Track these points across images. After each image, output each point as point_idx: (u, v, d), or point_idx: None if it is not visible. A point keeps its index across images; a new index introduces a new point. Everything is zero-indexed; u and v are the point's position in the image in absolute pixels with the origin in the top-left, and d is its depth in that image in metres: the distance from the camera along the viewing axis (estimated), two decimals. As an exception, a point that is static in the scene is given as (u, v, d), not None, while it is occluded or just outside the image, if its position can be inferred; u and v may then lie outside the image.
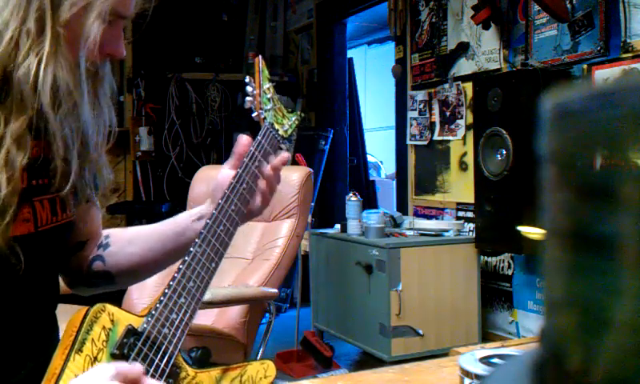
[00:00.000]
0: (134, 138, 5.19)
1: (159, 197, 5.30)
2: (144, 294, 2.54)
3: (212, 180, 3.28)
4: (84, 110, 0.93)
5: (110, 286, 1.16)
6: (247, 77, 1.26)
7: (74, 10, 0.89)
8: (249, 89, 1.24)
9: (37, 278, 0.98)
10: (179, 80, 5.37)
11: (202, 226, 1.07)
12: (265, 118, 1.22)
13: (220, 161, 5.47)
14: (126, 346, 0.91)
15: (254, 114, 1.23)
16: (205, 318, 2.30)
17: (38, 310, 1.01)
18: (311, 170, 2.73)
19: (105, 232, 1.18)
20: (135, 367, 0.87)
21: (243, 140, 1.14)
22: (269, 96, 1.25)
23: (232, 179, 1.10)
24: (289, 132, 1.27)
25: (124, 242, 1.16)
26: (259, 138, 1.18)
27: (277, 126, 1.23)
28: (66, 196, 0.98)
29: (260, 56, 1.29)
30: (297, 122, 1.30)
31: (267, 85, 1.25)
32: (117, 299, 1.90)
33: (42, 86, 0.87)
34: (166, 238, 1.14)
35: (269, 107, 1.24)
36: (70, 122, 0.91)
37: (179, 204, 4.01)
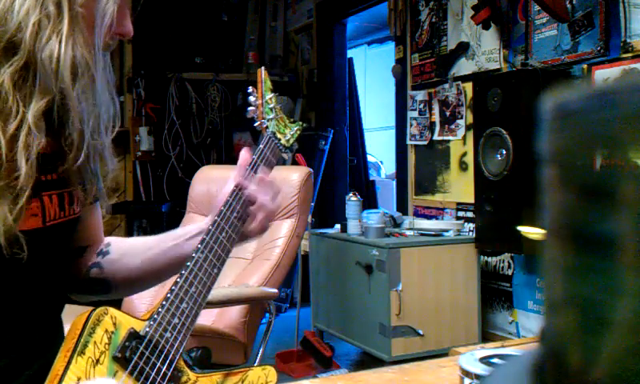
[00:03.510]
0: (134, 138, 5.19)
1: (159, 197, 5.30)
2: (144, 294, 2.54)
3: (212, 180, 3.26)
4: (98, 87, 0.96)
5: (105, 294, 1.16)
6: (250, 87, 1.29)
7: None
8: (251, 99, 1.27)
9: (44, 275, 0.97)
10: (179, 80, 5.37)
11: (198, 243, 1.07)
12: (267, 127, 1.24)
13: (220, 161, 5.48)
14: (128, 349, 0.91)
15: (256, 124, 1.26)
16: (205, 318, 2.30)
17: (45, 308, 1.01)
18: (311, 169, 2.73)
19: (106, 240, 1.18)
20: None
21: (244, 152, 1.16)
22: (271, 106, 1.28)
23: (234, 187, 1.11)
24: (290, 141, 1.29)
25: (123, 251, 1.16)
26: (261, 146, 1.20)
27: (279, 136, 1.25)
28: (74, 190, 0.99)
29: (263, 67, 1.32)
30: (298, 132, 1.33)
31: (269, 95, 1.28)
32: (117, 300, 1.91)
33: (63, 64, 0.89)
34: (160, 254, 1.14)
35: (271, 117, 1.27)
36: (87, 98, 0.94)
37: (179, 204, 4.01)
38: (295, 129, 1.31)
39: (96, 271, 1.14)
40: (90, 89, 0.94)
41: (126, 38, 1.03)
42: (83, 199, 1.02)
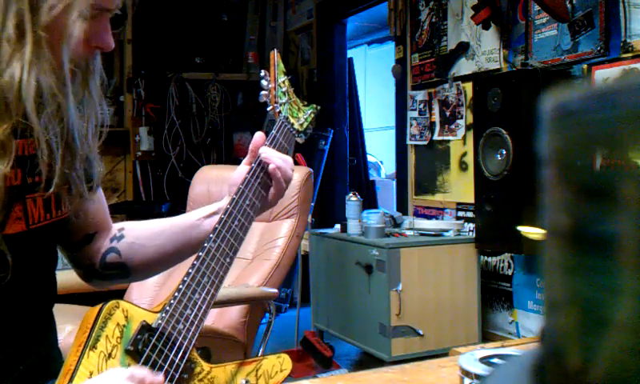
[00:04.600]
0: (133, 138, 5.19)
1: (159, 197, 5.30)
2: (144, 294, 2.54)
3: (212, 180, 3.24)
4: (69, 111, 0.92)
5: (124, 279, 1.16)
6: (262, 71, 1.25)
7: (53, 12, 0.87)
8: (264, 83, 1.24)
9: (30, 276, 0.98)
10: (179, 80, 5.37)
11: (215, 222, 1.07)
12: (280, 112, 1.22)
13: (220, 161, 5.48)
14: (141, 342, 0.91)
15: (268, 108, 1.23)
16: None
17: (33, 307, 1.01)
18: (311, 169, 2.73)
19: (118, 225, 1.18)
20: (152, 376, 0.87)
21: (258, 137, 1.14)
22: (284, 89, 1.24)
23: (247, 174, 1.10)
24: (304, 125, 1.26)
25: (139, 233, 1.16)
26: (274, 131, 1.18)
27: (292, 120, 1.23)
28: (60, 193, 0.99)
29: (276, 50, 1.28)
30: (313, 115, 1.29)
31: (282, 78, 1.25)
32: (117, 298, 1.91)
33: (26, 92, 0.86)
34: (179, 233, 1.14)
35: (284, 100, 1.23)
36: (54, 125, 0.90)
37: (179, 204, 4.01)
38: (309, 112, 1.28)
39: (113, 256, 1.14)
40: (58, 115, 0.91)
41: (106, 51, 0.99)
42: (68, 201, 1.02)
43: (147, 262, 1.14)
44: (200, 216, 1.14)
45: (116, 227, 1.17)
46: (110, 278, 1.16)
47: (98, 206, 1.14)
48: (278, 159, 1.11)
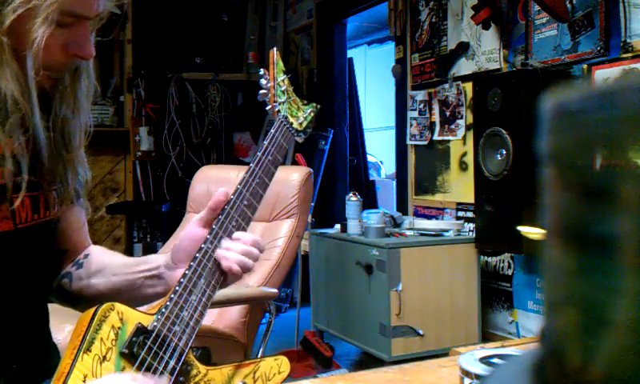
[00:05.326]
0: (133, 138, 5.19)
1: (159, 197, 5.30)
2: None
3: (212, 180, 3.23)
4: (34, 120, 0.90)
5: (72, 306, 1.13)
6: (262, 69, 1.24)
7: (15, 16, 0.84)
8: (263, 81, 1.22)
9: (20, 275, 0.97)
10: (179, 80, 5.37)
11: (207, 233, 1.04)
12: (279, 111, 1.21)
13: (220, 161, 5.48)
14: (136, 345, 0.90)
15: (267, 108, 1.22)
16: (205, 318, 2.30)
17: (25, 306, 1.00)
18: (311, 169, 2.73)
19: (86, 250, 1.15)
20: (156, 380, 0.86)
21: (220, 195, 1.04)
22: (283, 88, 1.23)
23: (245, 174, 1.09)
24: (304, 125, 1.24)
25: (95, 269, 1.12)
26: (272, 130, 1.16)
27: (291, 119, 1.21)
28: (49, 194, 0.98)
29: (275, 48, 1.26)
30: (312, 114, 1.27)
31: (282, 77, 1.24)
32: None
33: None
34: (126, 283, 1.10)
35: (283, 100, 1.22)
36: (18, 135, 0.88)
37: (179, 204, 4.01)
38: (309, 111, 1.26)
39: (66, 282, 1.12)
40: (23, 124, 0.88)
41: (85, 60, 0.96)
42: (54, 203, 1.01)
43: (92, 299, 1.10)
44: (141, 276, 1.08)
45: (84, 251, 1.14)
46: (59, 300, 1.13)
47: (73, 223, 1.12)
48: (237, 264, 1.01)
